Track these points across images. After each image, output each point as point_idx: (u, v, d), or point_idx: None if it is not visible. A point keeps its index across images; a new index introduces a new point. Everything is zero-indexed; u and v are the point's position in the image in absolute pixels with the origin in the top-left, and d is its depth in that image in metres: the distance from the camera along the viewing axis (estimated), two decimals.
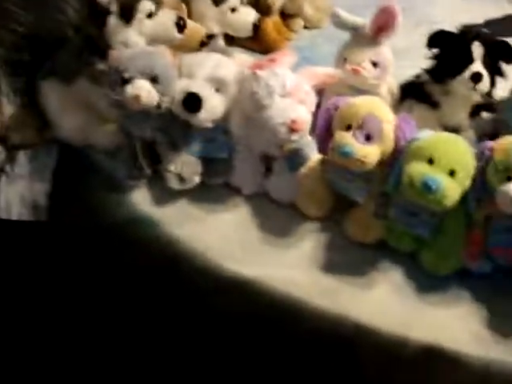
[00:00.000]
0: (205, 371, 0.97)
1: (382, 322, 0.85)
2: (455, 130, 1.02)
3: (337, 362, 0.88)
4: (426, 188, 0.81)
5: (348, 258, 0.92)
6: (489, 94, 1.03)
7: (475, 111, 1.06)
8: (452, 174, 0.83)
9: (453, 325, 0.85)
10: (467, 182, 0.85)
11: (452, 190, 0.83)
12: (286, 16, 1.39)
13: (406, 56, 1.14)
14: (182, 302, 0.96)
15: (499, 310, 0.87)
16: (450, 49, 1.01)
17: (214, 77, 0.96)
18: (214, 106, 0.95)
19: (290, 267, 0.92)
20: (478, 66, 0.98)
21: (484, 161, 0.85)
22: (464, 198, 0.86)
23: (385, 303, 0.87)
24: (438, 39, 1.02)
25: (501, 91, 1.05)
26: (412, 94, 1.07)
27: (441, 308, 0.87)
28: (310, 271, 0.91)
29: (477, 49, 0.99)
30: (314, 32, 1.38)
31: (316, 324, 0.87)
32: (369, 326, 0.85)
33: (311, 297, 0.88)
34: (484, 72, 0.99)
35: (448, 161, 0.83)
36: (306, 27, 1.40)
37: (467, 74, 0.98)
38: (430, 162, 0.83)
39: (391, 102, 1.07)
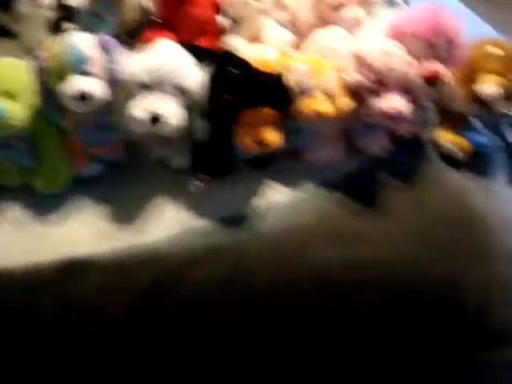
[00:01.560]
0: None
1: (12, 262, 0.84)
2: None
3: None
4: None
5: None
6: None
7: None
8: (10, 95, 0.83)
9: (81, 233, 0.88)
10: (32, 98, 0.85)
11: (15, 111, 0.83)
12: None
13: None
14: None
15: (120, 203, 0.90)
16: None
17: None
18: None
19: None
20: None
21: (43, 72, 0.86)
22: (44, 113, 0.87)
23: (9, 242, 0.86)
24: None
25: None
26: None
27: (66, 222, 0.88)
28: None
29: None
30: None
31: None
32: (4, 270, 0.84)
33: None
34: None
35: (2, 84, 0.83)
36: None
37: None
38: None
39: None
